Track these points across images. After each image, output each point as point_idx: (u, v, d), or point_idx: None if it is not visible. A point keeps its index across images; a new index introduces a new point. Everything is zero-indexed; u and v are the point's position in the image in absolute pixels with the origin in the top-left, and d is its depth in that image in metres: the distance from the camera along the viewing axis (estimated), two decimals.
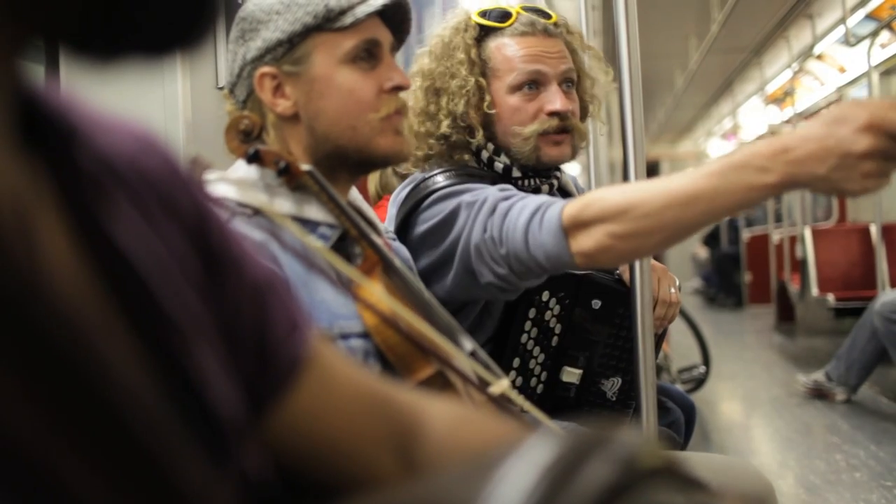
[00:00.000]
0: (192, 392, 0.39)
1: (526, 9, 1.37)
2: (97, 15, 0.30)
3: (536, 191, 1.36)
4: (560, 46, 1.34)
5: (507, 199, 1.17)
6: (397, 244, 1.20)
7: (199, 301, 0.43)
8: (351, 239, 0.96)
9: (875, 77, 5.14)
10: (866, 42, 4.90)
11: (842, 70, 6.39)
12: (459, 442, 0.58)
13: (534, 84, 1.31)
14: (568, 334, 1.33)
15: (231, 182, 0.94)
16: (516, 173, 1.34)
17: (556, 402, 1.36)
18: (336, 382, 0.54)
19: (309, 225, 0.95)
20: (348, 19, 0.95)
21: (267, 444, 0.49)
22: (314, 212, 0.95)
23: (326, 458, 0.54)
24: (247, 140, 0.94)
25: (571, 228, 1.07)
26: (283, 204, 0.94)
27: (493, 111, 1.31)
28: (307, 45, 0.96)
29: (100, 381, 0.33)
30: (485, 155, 1.34)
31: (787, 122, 7.05)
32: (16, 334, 0.30)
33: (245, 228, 0.88)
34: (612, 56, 1.31)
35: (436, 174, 1.29)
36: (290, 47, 0.96)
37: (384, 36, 1.00)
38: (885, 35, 5.08)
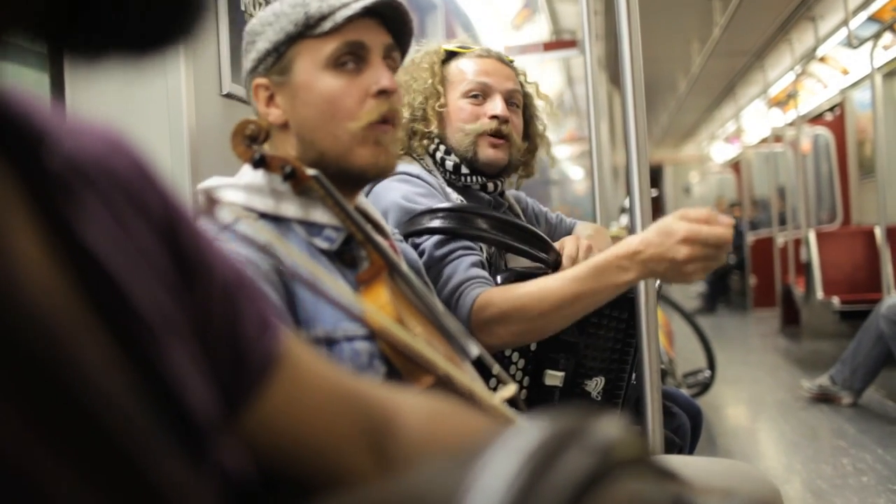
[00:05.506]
0: (166, 391, 0.40)
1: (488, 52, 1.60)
2: (65, 12, 0.30)
3: (484, 188, 1.54)
4: (510, 72, 1.56)
5: (442, 258, 1.34)
6: (404, 245, 1.20)
7: (170, 301, 0.43)
8: (357, 243, 0.96)
9: (878, 79, 5.13)
10: (869, 44, 4.90)
11: (845, 72, 6.39)
12: (434, 436, 0.59)
13: (480, 94, 1.52)
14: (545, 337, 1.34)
15: (238, 187, 0.94)
16: (464, 170, 1.52)
17: (540, 405, 1.37)
18: (308, 380, 0.55)
19: (314, 228, 0.95)
20: (328, 24, 0.96)
21: (243, 442, 0.49)
22: (319, 215, 0.95)
23: (301, 456, 0.54)
24: (253, 145, 0.95)
25: (475, 328, 1.26)
26: (288, 208, 0.94)
27: (443, 109, 1.53)
28: (290, 53, 0.98)
29: (75, 382, 0.33)
30: (438, 155, 1.53)
31: (791, 124, 7.05)
32: None
33: (251, 232, 0.88)
34: (614, 60, 1.32)
35: (436, 209, 1.35)
36: (278, 57, 0.98)
37: (374, 39, 0.99)
38: (887, 37, 5.08)
